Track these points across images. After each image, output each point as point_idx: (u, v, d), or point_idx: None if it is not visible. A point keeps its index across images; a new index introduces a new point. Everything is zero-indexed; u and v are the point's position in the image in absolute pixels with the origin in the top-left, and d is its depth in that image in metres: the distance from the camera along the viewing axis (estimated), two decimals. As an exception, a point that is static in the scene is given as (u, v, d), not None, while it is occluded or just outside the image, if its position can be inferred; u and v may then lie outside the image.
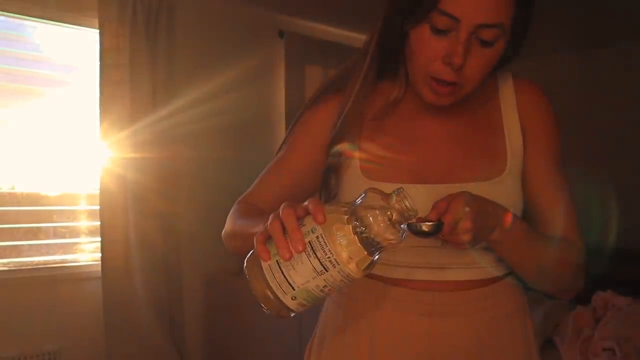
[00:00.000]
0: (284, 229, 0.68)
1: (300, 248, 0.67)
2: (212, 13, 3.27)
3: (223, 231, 1.00)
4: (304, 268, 0.69)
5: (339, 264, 0.68)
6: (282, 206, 0.71)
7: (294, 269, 0.69)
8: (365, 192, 0.74)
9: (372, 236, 0.70)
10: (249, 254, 0.75)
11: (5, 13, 2.68)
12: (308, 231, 0.69)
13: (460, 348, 0.90)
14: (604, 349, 1.92)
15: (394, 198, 0.71)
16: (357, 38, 3.60)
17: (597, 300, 2.17)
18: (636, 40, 3.78)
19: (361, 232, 0.69)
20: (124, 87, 2.82)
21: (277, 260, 0.70)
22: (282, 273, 0.70)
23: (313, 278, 0.69)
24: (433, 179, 0.91)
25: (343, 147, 0.96)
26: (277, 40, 3.55)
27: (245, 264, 0.75)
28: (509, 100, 0.96)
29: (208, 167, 3.19)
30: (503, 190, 0.90)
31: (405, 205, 0.71)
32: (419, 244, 0.90)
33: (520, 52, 0.92)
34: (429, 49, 0.84)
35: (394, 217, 0.71)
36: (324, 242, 0.68)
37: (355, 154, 0.95)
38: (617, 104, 3.90)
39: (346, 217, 0.69)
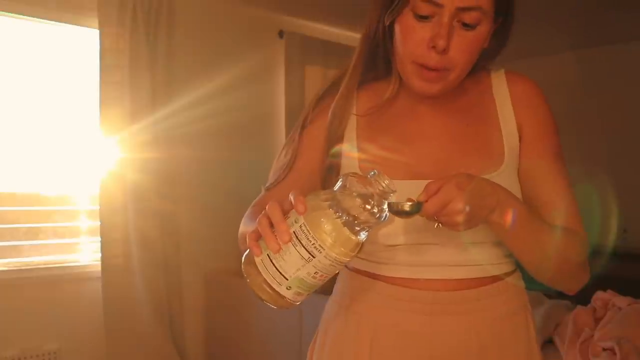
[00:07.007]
0: (272, 225, 0.72)
1: (285, 238, 0.71)
2: (212, 13, 3.27)
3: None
4: (293, 257, 0.72)
5: (324, 249, 0.71)
6: (269, 204, 0.74)
7: (284, 259, 0.72)
8: (344, 176, 0.76)
9: (352, 218, 0.72)
10: (245, 253, 0.78)
11: (6, 13, 2.68)
12: (292, 222, 0.72)
13: (460, 348, 0.90)
14: (604, 349, 1.92)
15: (372, 179, 0.74)
16: (357, 38, 3.60)
17: (597, 300, 2.16)
18: (636, 40, 3.78)
19: (342, 215, 0.72)
20: (123, 88, 2.82)
21: (268, 254, 0.73)
22: (274, 265, 0.73)
23: (302, 266, 0.72)
24: (429, 175, 0.90)
25: (342, 147, 0.97)
26: (277, 40, 3.56)
27: (242, 263, 0.77)
28: (502, 94, 0.97)
29: (208, 167, 3.20)
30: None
31: (383, 185, 0.74)
32: (420, 241, 0.90)
33: (506, 42, 0.95)
34: (414, 35, 0.88)
35: (373, 196, 0.74)
36: (307, 229, 0.71)
37: (354, 154, 0.96)
38: (616, 103, 3.90)
39: (327, 203, 0.72)
